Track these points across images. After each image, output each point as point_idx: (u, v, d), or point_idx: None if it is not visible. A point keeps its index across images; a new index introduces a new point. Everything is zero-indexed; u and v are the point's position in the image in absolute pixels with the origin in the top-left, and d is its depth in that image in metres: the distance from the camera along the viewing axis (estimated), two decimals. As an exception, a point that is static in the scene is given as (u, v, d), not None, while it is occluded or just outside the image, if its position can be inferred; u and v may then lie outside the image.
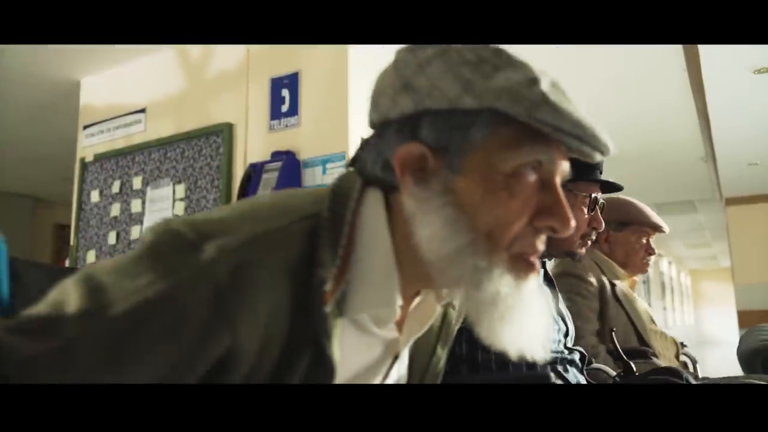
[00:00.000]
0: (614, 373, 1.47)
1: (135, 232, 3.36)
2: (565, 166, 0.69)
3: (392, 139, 0.68)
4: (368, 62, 2.93)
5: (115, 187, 3.50)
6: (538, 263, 0.68)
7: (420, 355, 0.84)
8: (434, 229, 0.64)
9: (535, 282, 0.68)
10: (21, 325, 0.55)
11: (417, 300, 0.76)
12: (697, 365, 2.11)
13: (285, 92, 2.95)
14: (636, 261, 2.08)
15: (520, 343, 0.68)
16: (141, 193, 3.39)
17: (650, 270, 2.09)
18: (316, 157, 2.79)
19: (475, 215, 0.65)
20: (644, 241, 2.07)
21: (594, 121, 0.64)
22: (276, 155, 2.84)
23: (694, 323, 16.06)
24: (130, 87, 3.62)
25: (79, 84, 3.88)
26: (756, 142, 5.07)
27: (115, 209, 3.48)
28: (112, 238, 3.45)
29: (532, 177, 0.66)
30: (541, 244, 0.68)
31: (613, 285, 1.98)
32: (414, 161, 0.66)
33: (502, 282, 0.65)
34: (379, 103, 0.70)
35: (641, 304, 2.06)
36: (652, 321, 2.03)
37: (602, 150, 0.66)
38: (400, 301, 0.69)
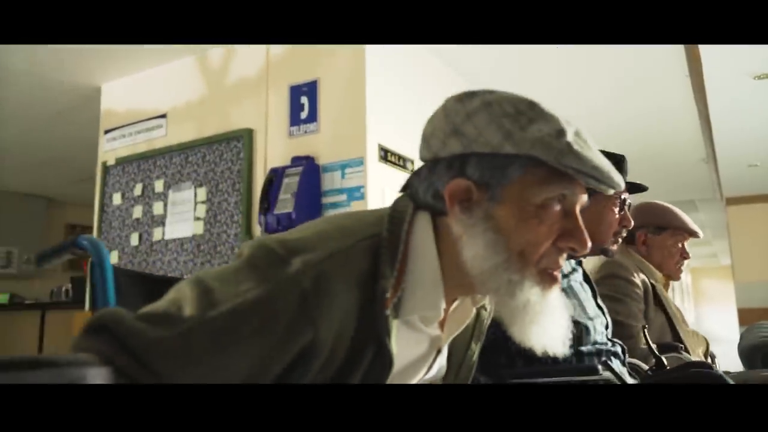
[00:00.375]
0: (647, 367, 1.60)
1: (157, 233, 3.48)
2: (583, 198, 0.84)
3: (443, 174, 0.83)
4: (384, 72, 3.06)
5: (137, 190, 3.62)
6: (560, 276, 0.84)
7: (457, 350, 0.99)
8: (477, 249, 0.80)
9: (557, 291, 0.83)
10: (147, 316, 0.69)
11: (455, 303, 0.91)
12: (715, 360, 2.24)
13: (304, 99, 3.07)
14: (671, 264, 2.18)
15: (545, 342, 0.83)
16: (163, 196, 3.51)
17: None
18: (335, 162, 2.91)
19: (510, 238, 0.80)
20: (680, 245, 2.18)
21: (607, 163, 0.80)
22: (296, 160, 2.97)
23: (694, 320, 16.18)
24: (151, 93, 3.74)
25: (99, 90, 4.00)
26: (756, 145, 5.19)
27: (137, 211, 3.60)
28: (134, 240, 3.57)
29: (557, 207, 0.81)
30: (563, 261, 0.83)
31: (653, 286, 2.10)
32: (461, 193, 0.81)
33: (531, 292, 0.80)
34: (431, 143, 0.85)
35: (675, 304, 2.18)
36: (684, 321, 2.15)
37: (614, 186, 0.80)
38: (444, 305, 0.84)
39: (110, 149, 3.87)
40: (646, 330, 1.75)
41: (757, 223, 7.23)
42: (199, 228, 3.31)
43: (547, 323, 0.82)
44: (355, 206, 2.82)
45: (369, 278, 0.77)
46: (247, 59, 3.33)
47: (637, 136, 5.11)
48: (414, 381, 0.90)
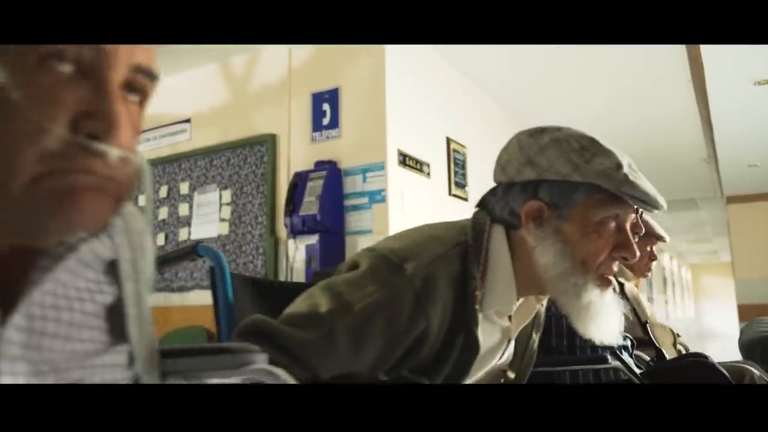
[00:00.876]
0: (648, 358, 1.76)
1: (183, 233, 3.64)
2: (632, 216, 1.01)
3: (518, 196, 1.00)
4: (402, 81, 3.21)
5: (163, 192, 3.78)
6: (613, 280, 0.99)
7: (521, 339, 1.17)
8: (549, 258, 0.97)
9: (611, 292, 0.99)
10: (292, 321, 0.85)
11: (521, 301, 1.07)
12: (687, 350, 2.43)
13: (326, 106, 3.23)
14: (641, 265, 2.38)
15: (603, 334, 1.00)
16: (188, 198, 3.66)
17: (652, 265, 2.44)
18: (357, 167, 3.07)
19: (574, 249, 0.97)
20: (648, 249, 2.37)
21: (653, 188, 0.95)
22: (319, 165, 3.12)
23: (694, 317, 16.34)
24: (174, 98, 3.88)
25: (124, 95, 4.15)
26: (756, 146, 5.34)
27: (163, 212, 3.75)
28: (160, 240, 3.72)
29: (612, 224, 0.99)
30: (615, 268, 1.01)
31: (621, 284, 2.30)
32: (535, 212, 0.99)
33: (592, 294, 0.98)
34: (507, 169, 1.02)
35: (644, 300, 2.38)
36: (652, 315, 2.36)
37: (659, 208, 0.98)
38: (515, 302, 0.99)
39: (135, 152, 4.02)
40: (648, 325, 1.92)
41: (757, 221, 7.38)
42: (224, 229, 3.46)
43: (605, 319, 1.00)
44: (377, 209, 2.98)
45: (460, 278, 0.95)
46: (269, 68, 3.49)
47: (641, 137, 5.26)
48: (489, 365, 1.09)
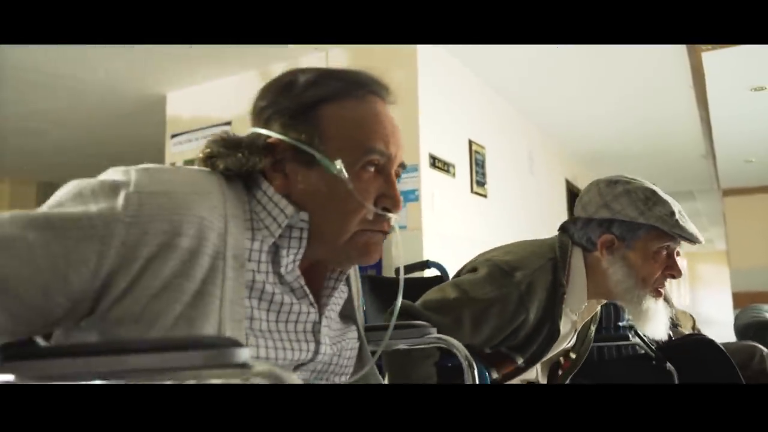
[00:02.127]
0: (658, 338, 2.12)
1: (226, 228, 3.95)
2: (679, 249, 1.36)
3: (595, 230, 1.37)
4: (432, 89, 3.52)
5: (206, 189, 4.09)
6: (664, 291, 1.35)
7: (583, 330, 1.54)
8: (618, 277, 1.34)
9: (662, 301, 1.35)
10: (429, 306, 1.19)
11: (587, 302, 1.43)
12: None
13: (362, 113, 3.53)
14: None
15: (655, 331, 1.37)
16: (231, 195, 3.97)
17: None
18: (391, 168, 3.38)
19: (637, 271, 1.33)
20: None
21: (694, 227, 1.30)
22: (357, 166, 3.43)
23: (690, 303, 16.75)
24: (215, 103, 4.19)
25: (165, 98, 4.45)
26: (752, 144, 5.70)
27: (207, 208, 4.06)
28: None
29: (664, 253, 1.34)
30: (666, 284, 1.36)
31: None
32: (608, 243, 1.35)
33: (649, 302, 1.34)
34: (587, 208, 1.37)
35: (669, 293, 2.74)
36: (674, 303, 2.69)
37: (700, 242, 1.33)
38: (585, 304, 1.35)
39: (177, 152, 4.33)
40: None
41: (752, 213, 7.75)
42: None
43: (657, 320, 1.36)
44: (411, 207, 3.30)
45: (551, 285, 1.32)
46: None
47: (646, 135, 5.61)
48: (561, 347, 1.45)
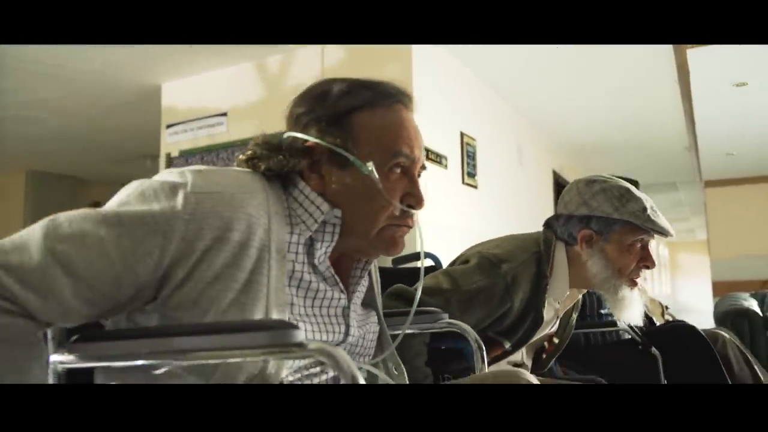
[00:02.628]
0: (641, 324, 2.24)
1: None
2: (652, 241, 1.47)
3: (576, 225, 1.47)
4: (425, 81, 3.62)
5: (202, 179, 4.15)
6: (639, 281, 1.45)
7: (565, 317, 1.65)
8: (597, 268, 1.44)
9: (637, 290, 1.46)
10: (425, 290, 1.28)
11: (569, 292, 1.54)
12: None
13: (357, 106, 3.61)
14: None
15: (630, 318, 1.48)
16: (227, 185, 4.04)
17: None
18: (386, 160, 3.48)
19: (613, 263, 1.44)
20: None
21: (666, 221, 1.41)
22: (353, 158, 3.52)
23: (671, 292, 17.07)
24: (211, 94, 4.24)
25: (160, 88, 4.49)
26: (733, 137, 5.87)
27: (203, 198, 4.13)
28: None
29: (638, 246, 1.45)
30: (641, 274, 1.47)
31: None
32: (587, 237, 1.45)
33: (625, 291, 1.45)
34: (569, 206, 1.48)
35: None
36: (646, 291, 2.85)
37: (670, 235, 1.43)
38: (567, 293, 1.46)
39: (173, 142, 4.38)
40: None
41: (732, 204, 7.95)
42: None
43: (632, 307, 1.47)
44: (405, 198, 3.40)
45: (535, 276, 1.43)
46: (302, 68, 3.85)
47: (632, 128, 5.75)
48: (544, 332, 1.55)
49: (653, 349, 1.96)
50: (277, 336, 0.68)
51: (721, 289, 7.00)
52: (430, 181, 3.55)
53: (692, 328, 2.24)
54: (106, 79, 4.38)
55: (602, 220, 1.46)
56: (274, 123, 3.54)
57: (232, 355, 0.70)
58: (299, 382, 0.88)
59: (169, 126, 4.43)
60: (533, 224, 1.75)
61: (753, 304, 3.85)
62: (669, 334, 2.20)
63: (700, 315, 6.21)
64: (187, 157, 4.27)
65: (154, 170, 4.75)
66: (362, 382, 0.64)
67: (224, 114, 4.17)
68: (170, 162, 4.35)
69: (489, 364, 1.34)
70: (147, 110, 4.64)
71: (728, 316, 3.68)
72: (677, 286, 16.83)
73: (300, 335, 0.68)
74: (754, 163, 7.14)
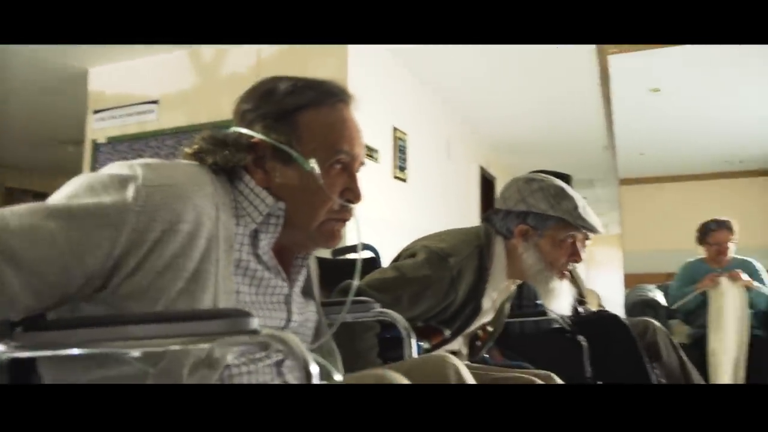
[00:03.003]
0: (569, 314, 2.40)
1: (152, 206, 3.96)
2: (582, 236, 1.59)
3: (513, 220, 1.57)
4: (361, 76, 3.68)
5: (130, 167, 4.06)
6: (568, 274, 1.58)
7: (500, 306, 1.74)
8: (531, 261, 1.55)
9: (566, 281, 1.58)
10: (372, 285, 1.37)
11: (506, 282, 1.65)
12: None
13: (292, 98, 3.63)
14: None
15: (560, 307, 1.60)
16: (157, 174, 3.97)
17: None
18: (320, 153, 3.52)
19: (546, 256, 1.54)
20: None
21: (597, 219, 1.52)
22: (286, 150, 3.54)
23: (586, 283, 17.76)
24: (141, 80, 4.15)
25: (86, 72, 4.35)
26: (648, 139, 6.24)
27: (131, 186, 4.04)
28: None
29: (569, 241, 1.56)
30: (570, 267, 1.58)
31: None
32: (523, 232, 1.55)
33: (555, 283, 1.56)
34: (508, 202, 1.59)
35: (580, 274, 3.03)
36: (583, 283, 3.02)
37: (599, 233, 1.56)
38: (505, 283, 1.56)
39: (99, 128, 4.26)
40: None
41: (645, 201, 8.43)
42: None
43: (561, 297, 1.60)
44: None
45: (477, 269, 1.53)
46: (238, 58, 3.83)
47: (553, 127, 6.02)
48: (482, 321, 1.65)
49: (580, 336, 2.11)
50: (234, 324, 0.73)
51: (631, 280, 7.35)
52: (363, 174, 3.62)
53: (615, 317, 2.43)
54: (28, 61, 4.21)
55: (538, 217, 1.57)
56: (207, 112, 3.52)
57: (188, 342, 0.75)
58: (245, 367, 0.93)
59: (96, 112, 4.30)
60: (461, 217, 1.84)
61: (658, 295, 4.12)
62: (594, 323, 2.37)
63: (612, 305, 6.55)
64: (114, 144, 4.17)
65: (77, 156, 4.63)
66: (314, 365, 0.70)
67: (155, 101, 4.09)
68: (96, 149, 4.23)
69: (430, 350, 1.44)
70: (72, 95, 4.48)
71: (636, 306, 3.94)
72: (591, 278, 17.56)
73: (254, 322, 0.73)
74: (666, 164, 7.62)
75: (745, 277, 3.23)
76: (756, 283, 3.26)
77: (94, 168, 4.19)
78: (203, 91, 3.94)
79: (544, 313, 2.09)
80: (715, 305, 3.16)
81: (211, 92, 3.90)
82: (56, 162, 6.33)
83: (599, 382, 2.01)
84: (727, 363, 3.01)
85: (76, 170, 4.51)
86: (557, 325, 2.19)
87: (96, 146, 4.24)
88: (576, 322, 2.25)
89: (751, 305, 3.22)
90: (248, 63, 3.79)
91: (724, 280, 3.19)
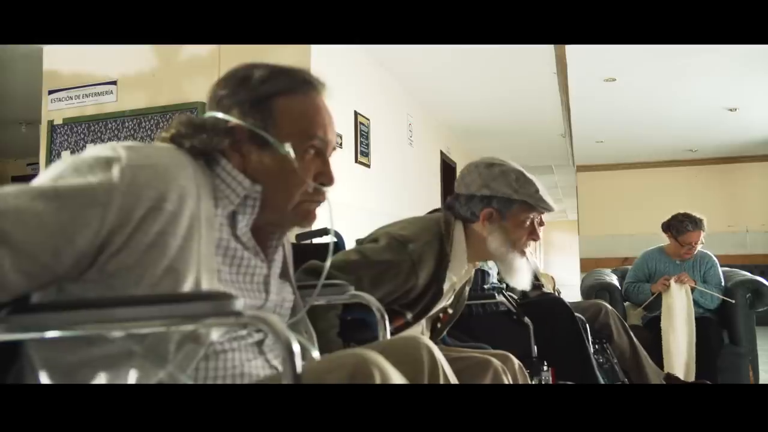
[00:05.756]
0: (516, 297, 2.49)
1: (111, 189, 3.90)
2: (541, 218, 1.67)
3: (477, 204, 1.63)
4: (323, 60, 3.68)
5: (89, 149, 3.99)
6: (528, 253, 1.64)
7: (459, 290, 1.81)
8: (496, 243, 1.61)
9: (526, 259, 1.64)
10: (332, 265, 1.37)
11: (466, 266, 1.70)
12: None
13: (255, 82, 3.62)
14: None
15: (522, 283, 1.67)
16: (116, 156, 3.91)
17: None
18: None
19: (509, 236, 1.61)
20: None
21: (553, 200, 1.59)
22: (250, 134, 3.53)
23: (543, 267, 18.25)
24: (99, 60, 4.04)
25: (41, 50, 4.23)
26: (603, 127, 6.41)
27: (90, 169, 3.97)
28: (87, 194, 3.95)
29: (529, 222, 1.63)
30: (531, 247, 1.64)
31: None
32: (488, 215, 1.61)
33: (518, 261, 1.62)
34: (470, 187, 1.64)
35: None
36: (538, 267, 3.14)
37: (553, 210, 1.64)
38: (466, 267, 1.62)
39: (56, 109, 4.16)
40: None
41: (600, 188, 8.67)
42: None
43: (523, 274, 1.67)
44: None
45: (438, 254, 1.58)
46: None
47: (512, 114, 6.15)
48: (442, 305, 1.70)
49: (526, 318, 2.21)
50: (218, 306, 0.76)
51: (587, 264, 7.59)
52: (327, 159, 3.64)
53: (558, 300, 2.55)
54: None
55: (502, 200, 1.64)
56: (168, 94, 3.47)
57: (173, 323, 0.78)
58: (228, 344, 0.96)
59: (51, 92, 4.20)
60: (422, 202, 1.89)
61: (614, 279, 4.27)
62: (540, 306, 2.48)
63: (569, 289, 6.74)
64: (72, 125, 4.08)
65: (32, 137, 4.50)
66: (296, 344, 0.74)
67: (113, 82, 4.02)
68: (53, 130, 4.13)
69: (392, 334, 1.48)
70: (25, 74, 4.36)
71: (593, 289, 4.08)
72: (549, 262, 17.98)
73: (239, 304, 0.77)
74: (621, 151, 7.84)
75: (691, 279, 3.62)
76: (700, 286, 3.64)
77: (51, 149, 4.10)
78: (163, 73, 3.88)
79: (492, 296, 2.19)
80: (666, 303, 3.57)
81: (172, 74, 3.84)
82: (9, 142, 6.16)
83: (545, 362, 2.11)
84: (681, 342, 3.37)
85: (32, 152, 4.41)
86: (504, 308, 2.29)
87: (52, 127, 4.14)
88: (522, 304, 2.35)
89: (697, 303, 3.59)
90: (209, 46, 3.75)
91: (673, 284, 3.58)
